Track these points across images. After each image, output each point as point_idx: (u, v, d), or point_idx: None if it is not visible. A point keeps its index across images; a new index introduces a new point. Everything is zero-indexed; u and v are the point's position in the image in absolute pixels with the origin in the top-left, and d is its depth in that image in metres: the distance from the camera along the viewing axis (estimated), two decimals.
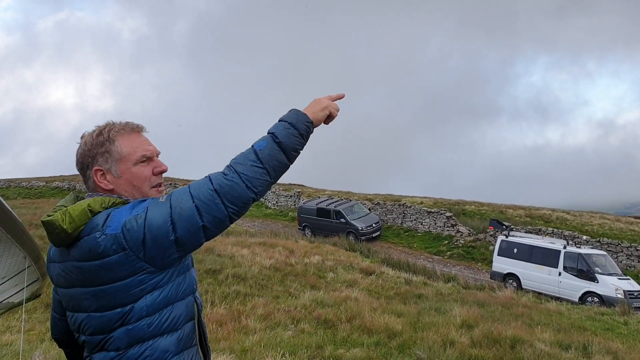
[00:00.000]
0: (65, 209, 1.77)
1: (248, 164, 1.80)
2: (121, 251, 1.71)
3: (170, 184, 38.66)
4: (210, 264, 12.34)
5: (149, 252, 1.73)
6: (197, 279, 2.05)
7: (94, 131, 1.93)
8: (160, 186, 1.97)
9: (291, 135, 1.87)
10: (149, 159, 1.93)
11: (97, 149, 1.89)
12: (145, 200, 1.81)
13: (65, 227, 1.73)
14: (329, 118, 2.02)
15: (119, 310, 1.76)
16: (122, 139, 1.90)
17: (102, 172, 1.89)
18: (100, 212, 1.78)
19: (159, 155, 2.00)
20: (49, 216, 1.77)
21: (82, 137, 1.94)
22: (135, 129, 1.95)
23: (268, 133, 1.88)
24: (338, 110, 2.04)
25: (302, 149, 1.91)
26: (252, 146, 1.85)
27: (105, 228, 1.73)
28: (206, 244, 15.16)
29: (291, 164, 1.89)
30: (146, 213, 1.74)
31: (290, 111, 1.94)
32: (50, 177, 45.23)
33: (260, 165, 1.80)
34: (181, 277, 1.86)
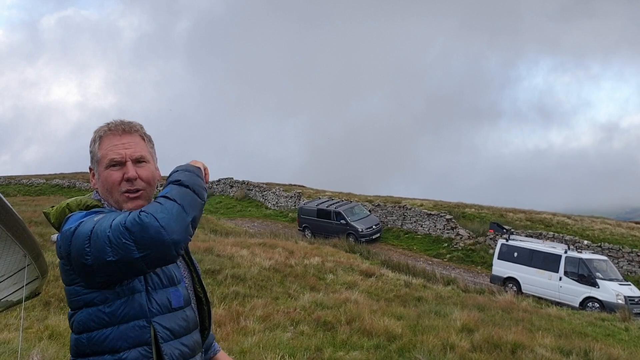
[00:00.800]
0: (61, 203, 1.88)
1: (160, 206, 1.60)
2: (60, 258, 1.73)
3: None
4: (209, 264, 12.30)
5: (74, 268, 1.68)
6: (170, 300, 1.82)
7: None
8: (131, 193, 1.85)
9: (190, 176, 1.75)
10: (119, 163, 1.85)
11: (90, 148, 1.92)
12: (97, 212, 1.76)
13: (52, 220, 1.86)
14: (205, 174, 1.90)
15: (69, 312, 1.80)
16: (103, 140, 1.88)
17: (93, 172, 1.93)
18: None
19: (142, 160, 1.89)
20: (52, 208, 1.90)
21: None
22: (118, 131, 1.89)
23: (165, 188, 1.75)
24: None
25: (205, 187, 1.79)
26: (157, 195, 1.72)
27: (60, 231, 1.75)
28: (205, 244, 15.19)
29: (204, 201, 1.74)
30: (76, 227, 1.66)
31: (175, 168, 1.84)
32: (50, 174, 45.34)
33: (175, 203, 1.62)
34: (121, 300, 1.71)
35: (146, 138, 1.97)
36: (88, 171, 1.98)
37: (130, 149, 1.87)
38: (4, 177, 44.86)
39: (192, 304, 1.96)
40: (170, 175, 1.79)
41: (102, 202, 1.87)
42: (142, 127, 1.96)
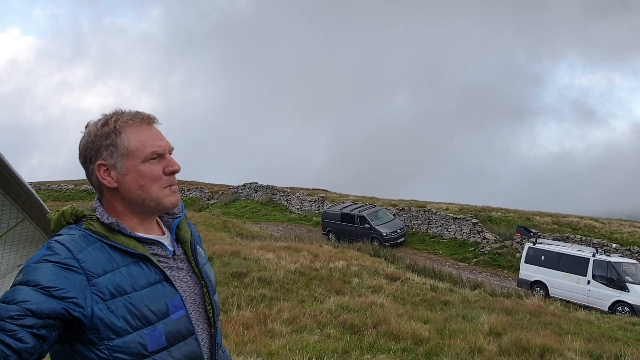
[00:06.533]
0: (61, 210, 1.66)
1: None
2: None
3: (197, 188, 39.04)
4: (236, 267, 12.42)
5: None
6: (144, 343, 1.52)
7: (99, 120, 1.66)
8: (172, 186, 1.69)
9: None
10: (160, 156, 1.66)
11: (101, 140, 1.62)
12: (44, 250, 1.49)
13: (52, 227, 1.64)
14: None
15: None
16: (130, 131, 1.63)
17: (106, 168, 1.63)
18: (70, 222, 1.62)
19: (172, 152, 1.72)
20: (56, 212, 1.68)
21: (86, 127, 1.68)
22: (145, 120, 1.68)
23: None
24: None
25: None
26: None
27: None
28: (232, 247, 15.31)
29: None
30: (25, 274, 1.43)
31: None
32: (79, 180, 46.02)
33: None
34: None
35: None
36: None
37: (165, 140, 1.70)
38: (34, 182, 45.74)
39: (201, 329, 1.71)
40: None
41: (97, 210, 1.63)
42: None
